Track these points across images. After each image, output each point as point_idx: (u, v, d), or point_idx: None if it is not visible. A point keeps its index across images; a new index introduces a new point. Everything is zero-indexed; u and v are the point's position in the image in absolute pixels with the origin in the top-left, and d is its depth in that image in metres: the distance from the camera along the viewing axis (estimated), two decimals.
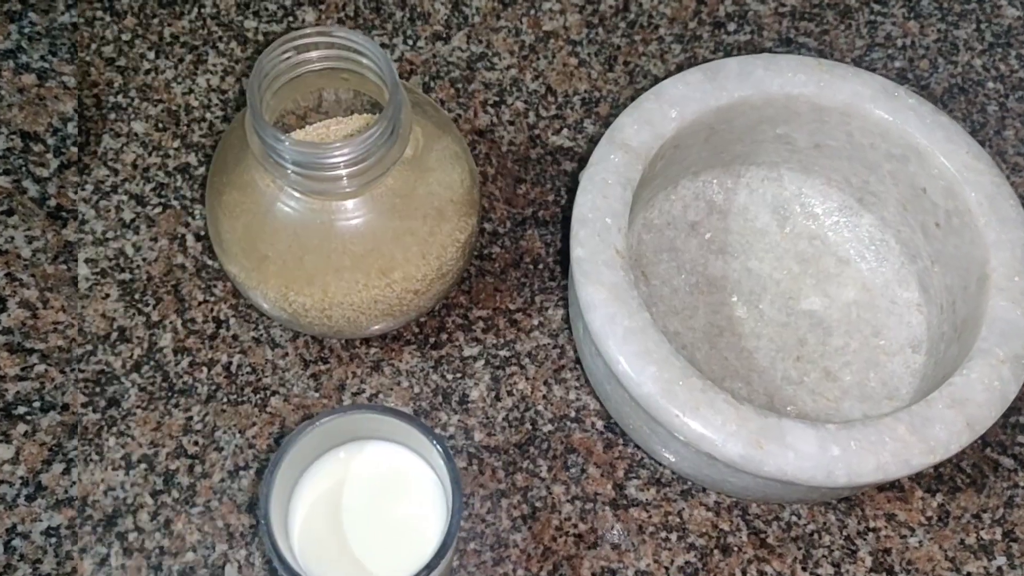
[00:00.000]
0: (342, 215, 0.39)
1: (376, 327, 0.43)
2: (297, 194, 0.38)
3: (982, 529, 0.44)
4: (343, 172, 0.37)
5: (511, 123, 0.52)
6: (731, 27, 0.56)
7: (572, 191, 0.51)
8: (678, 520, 0.44)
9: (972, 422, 0.35)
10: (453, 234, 0.41)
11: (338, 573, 0.36)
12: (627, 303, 0.36)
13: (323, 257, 0.39)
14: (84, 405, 0.45)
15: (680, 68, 0.54)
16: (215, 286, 0.47)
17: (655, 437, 0.38)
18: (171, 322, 0.46)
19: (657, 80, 0.55)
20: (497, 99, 0.53)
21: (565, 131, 0.52)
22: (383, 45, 0.53)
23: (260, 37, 0.54)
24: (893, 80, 0.55)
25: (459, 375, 0.46)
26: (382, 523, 0.36)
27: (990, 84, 0.55)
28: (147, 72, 0.52)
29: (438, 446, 0.33)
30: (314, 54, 0.36)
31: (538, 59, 0.54)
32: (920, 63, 0.55)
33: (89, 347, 0.46)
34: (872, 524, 0.44)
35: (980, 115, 0.54)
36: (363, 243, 0.40)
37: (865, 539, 0.44)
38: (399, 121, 0.37)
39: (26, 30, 0.52)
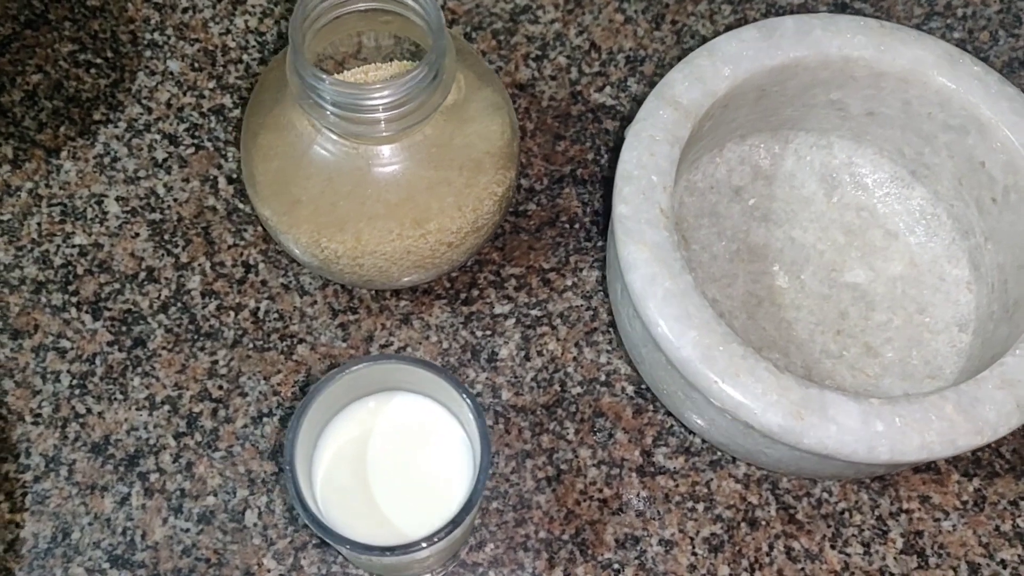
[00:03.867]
0: (378, 162, 0.38)
1: (407, 278, 0.42)
2: (334, 136, 0.37)
3: (1019, 516, 0.43)
4: (381, 116, 0.36)
5: (553, 78, 0.51)
6: None
7: (612, 150, 0.50)
8: (706, 491, 0.43)
9: (1023, 404, 0.34)
10: (490, 187, 0.40)
11: (360, 523, 0.35)
12: (669, 264, 0.35)
13: (357, 204, 0.39)
14: (110, 344, 0.44)
15: (729, 30, 0.53)
16: (245, 230, 0.46)
17: (689, 403, 0.37)
18: (200, 264, 0.46)
19: (705, 41, 0.53)
20: (539, 53, 0.51)
21: (608, 89, 0.51)
22: None
23: None
24: None
25: (489, 332, 0.45)
26: (407, 476, 0.36)
27: None
28: (184, 11, 0.51)
29: (468, 401, 0.32)
30: None
31: (583, 14, 0.52)
32: (980, 35, 0.53)
33: (117, 286, 0.45)
34: (905, 505, 0.43)
35: None
36: (398, 192, 0.39)
37: (897, 520, 0.43)
38: (442, 66, 0.36)
39: None
